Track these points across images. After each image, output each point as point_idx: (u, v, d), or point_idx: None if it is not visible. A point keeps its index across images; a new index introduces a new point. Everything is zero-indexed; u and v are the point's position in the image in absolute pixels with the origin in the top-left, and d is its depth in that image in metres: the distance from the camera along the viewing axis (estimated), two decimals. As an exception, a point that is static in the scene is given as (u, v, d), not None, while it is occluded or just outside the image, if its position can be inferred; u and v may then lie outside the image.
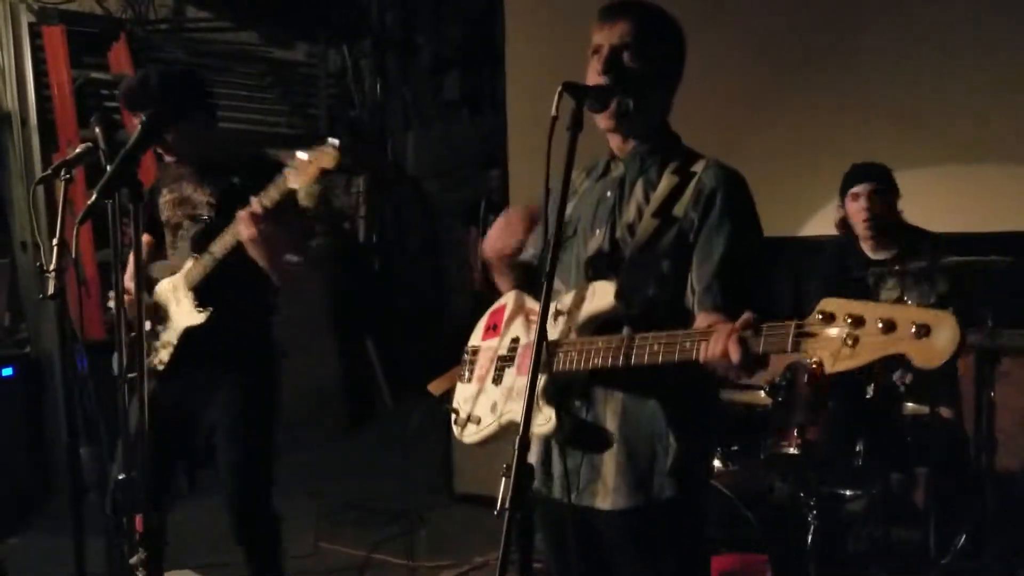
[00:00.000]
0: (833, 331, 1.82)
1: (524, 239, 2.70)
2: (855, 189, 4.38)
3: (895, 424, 3.95)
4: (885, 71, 5.50)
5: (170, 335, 3.61)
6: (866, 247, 4.43)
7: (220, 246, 3.40)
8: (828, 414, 3.81)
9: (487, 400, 2.55)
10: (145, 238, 3.72)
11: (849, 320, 1.80)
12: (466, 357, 2.71)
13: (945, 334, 1.70)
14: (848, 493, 4.06)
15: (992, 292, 4.14)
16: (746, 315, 2.00)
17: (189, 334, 3.54)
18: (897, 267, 4.04)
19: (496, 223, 2.76)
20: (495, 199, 7.86)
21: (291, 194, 3.21)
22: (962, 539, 4.08)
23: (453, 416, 2.64)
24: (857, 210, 4.37)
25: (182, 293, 3.56)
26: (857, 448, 3.76)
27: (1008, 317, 4.06)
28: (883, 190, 4.35)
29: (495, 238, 2.75)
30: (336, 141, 3.09)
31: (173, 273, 3.62)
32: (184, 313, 3.55)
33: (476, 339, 2.73)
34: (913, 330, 1.72)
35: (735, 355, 1.97)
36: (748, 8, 5.98)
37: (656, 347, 2.13)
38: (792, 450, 3.78)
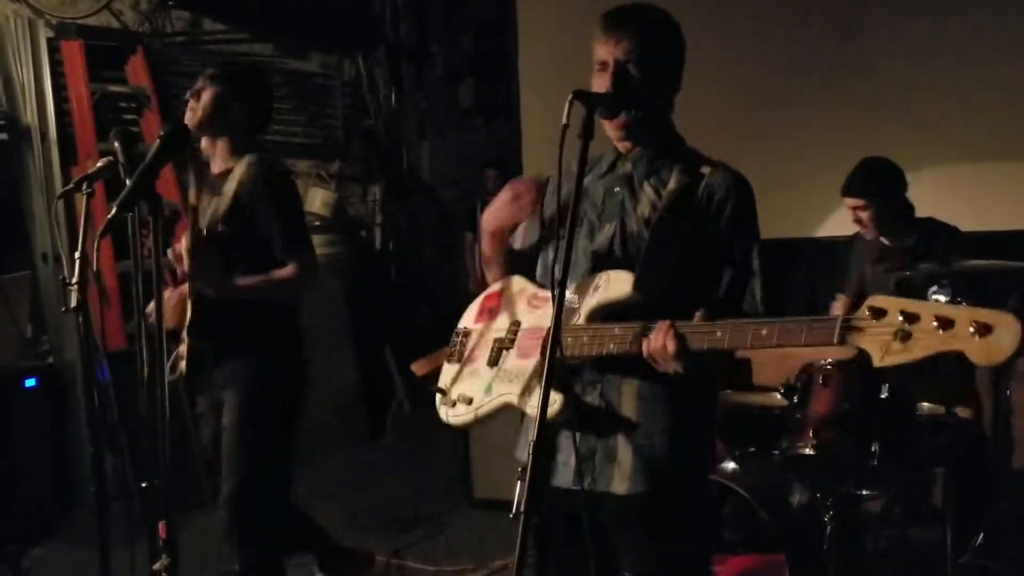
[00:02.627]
0: (884, 326, 1.87)
1: (530, 213, 2.68)
2: (846, 200, 4.38)
3: (911, 424, 3.96)
4: (900, 70, 5.52)
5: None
6: (882, 238, 4.43)
7: None
8: (843, 415, 3.81)
9: (480, 381, 2.56)
10: None
11: (902, 316, 1.85)
12: (455, 339, 2.73)
13: (1007, 333, 1.76)
14: (865, 493, 4.07)
15: (1010, 290, 4.13)
16: (701, 311, 2.20)
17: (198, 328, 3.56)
18: (908, 273, 4.03)
19: (502, 194, 2.73)
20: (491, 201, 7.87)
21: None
22: (980, 539, 4.07)
23: (439, 396, 2.65)
24: (853, 217, 4.40)
25: None
26: (873, 448, 3.76)
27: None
28: (870, 205, 4.34)
29: (499, 210, 2.71)
30: None
31: None
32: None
33: (467, 321, 2.75)
34: (972, 328, 1.78)
35: (671, 347, 2.16)
36: (763, 11, 5.99)
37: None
38: (808, 451, 3.79)
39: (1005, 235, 4.99)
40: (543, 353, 2.38)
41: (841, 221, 5.33)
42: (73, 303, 2.93)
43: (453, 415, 2.60)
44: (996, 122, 5.27)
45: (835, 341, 1.94)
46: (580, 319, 2.37)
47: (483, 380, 2.56)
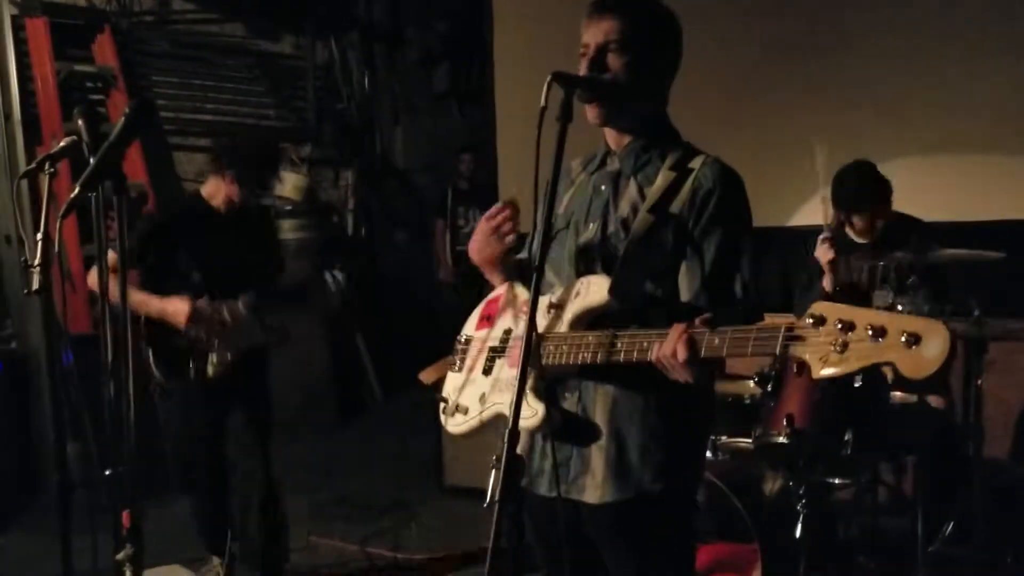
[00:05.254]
0: (823, 336, 1.80)
1: (513, 241, 2.58)
2: (852, 218, 4.37)
3: (884, 413, 3.95)
4: (873, 61, 5.50)
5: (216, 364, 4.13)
6: (851, 232, 4.43)
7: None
8: (816, 403, 3.80)
9: (476, 391, 2.52)
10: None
11: (839, 325, 1.78)
12: (458, 347, 2.68)
13: (935, 344, 1.68)
14: (837, 482, 4.07)
15: (979, 281, 4.14)
16: (703, 316, 2.06)
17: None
18: (882, 262, 4.03)
19: (480, 227, 2.61)
20: (462, 187, 7.88)
21: None
22: (950, 527, 4.09)
23: (441, 405, 2.62)
24: (858, 227, 4.39)
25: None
26: (846, 437, 3.75)
27: (995, 306, 4.06)
28: (875, 210, 4.33)
29: (483, 244, 2.60)
30: None
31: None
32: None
33: (470, 329, 2.69)
34: (903, 339, 1.70)
35: (681, 354, 2.03)
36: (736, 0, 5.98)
37: (645, 344, 2.13)
38: (781, 439, 3.78)
39: (977, 225, 4.99)
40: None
41: (815, 209, 5.33)
42: (35, 285, 2.87)
43: (453, 425, 2.56)
44: (970, 114, 5.27)
45: (778, 353, 1.88)
46: (564, 326, 2.32)
47: (479, 389, 2.52)
